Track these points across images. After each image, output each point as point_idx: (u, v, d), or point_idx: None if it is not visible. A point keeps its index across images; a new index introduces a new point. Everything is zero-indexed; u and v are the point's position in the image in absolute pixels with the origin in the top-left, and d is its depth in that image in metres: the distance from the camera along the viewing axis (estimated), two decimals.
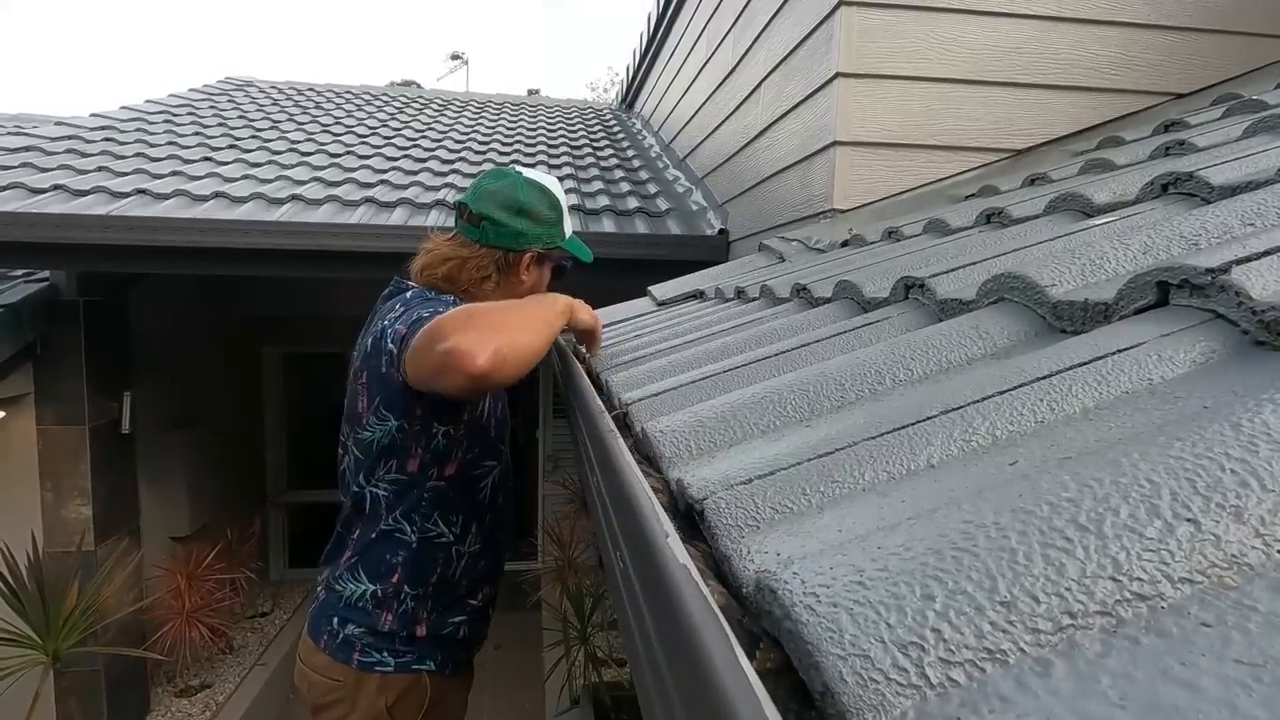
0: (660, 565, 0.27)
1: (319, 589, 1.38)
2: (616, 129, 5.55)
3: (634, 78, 5.56)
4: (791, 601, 0.25)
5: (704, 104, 3.38)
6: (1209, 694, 0.19)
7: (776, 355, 0.72)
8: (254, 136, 4.09)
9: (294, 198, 2.99)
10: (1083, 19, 2.02)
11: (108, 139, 3.62)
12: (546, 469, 5.63)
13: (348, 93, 6.10)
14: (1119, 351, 0.43)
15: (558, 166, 4.09)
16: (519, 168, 1.39)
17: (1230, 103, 1.45)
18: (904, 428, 0.42)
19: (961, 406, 0.42)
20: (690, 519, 0.43)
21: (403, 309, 1.23)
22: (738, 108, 2.80)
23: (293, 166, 3.51)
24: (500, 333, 0.99)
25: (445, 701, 1.34)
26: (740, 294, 1.43)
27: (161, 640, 3.61)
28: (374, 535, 1.29)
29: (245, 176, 3.25)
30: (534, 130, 5.27)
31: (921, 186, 2.00)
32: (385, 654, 1.27)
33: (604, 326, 1.70)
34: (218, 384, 4.65)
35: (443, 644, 1.34)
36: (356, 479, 1.30)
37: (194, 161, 3.43)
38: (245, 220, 2.66)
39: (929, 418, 0.42)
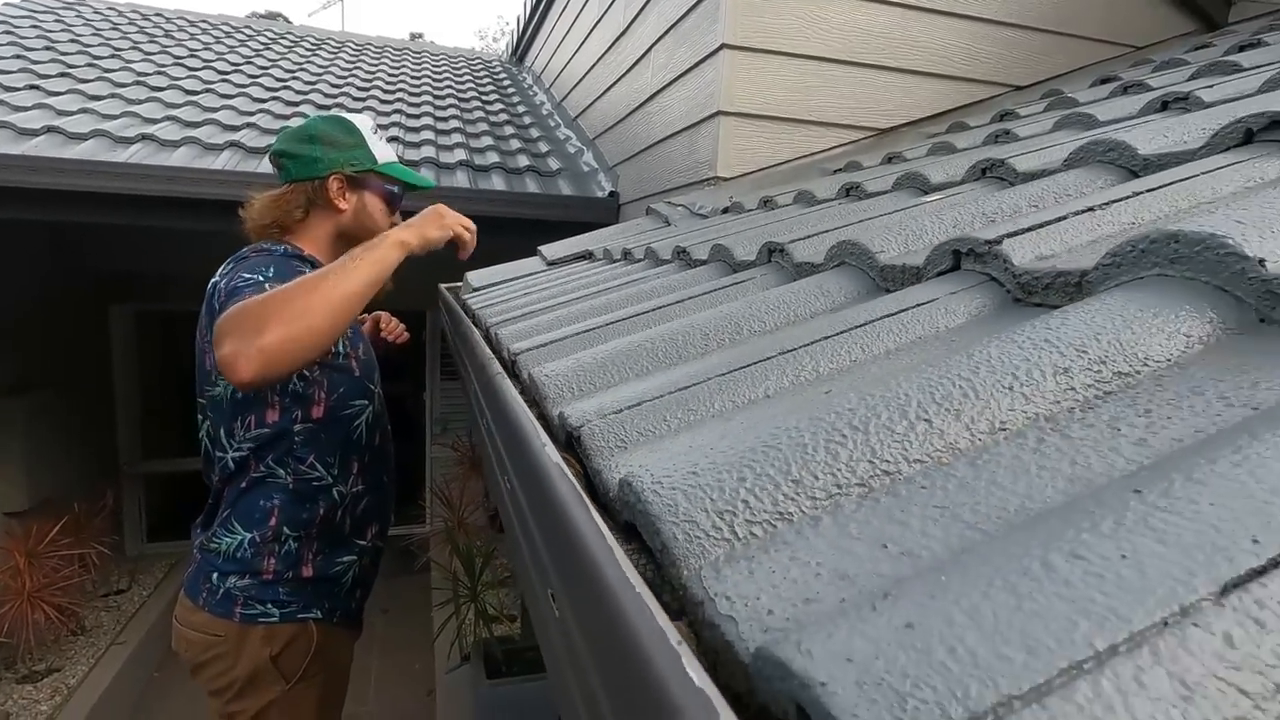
0: (537, 463, 0.33)
1: (194, 552, 1.34)
2: (507, 84, 5.39)
3: (525, 30, 5.40)
4: (642, 488, 0.32)
5: (596, 64, 3.37)
6: (913, 527, 0.27)
7: (653, 310, 0.79)
8: (91, 65, 3.64)
9: (144, 137, 2.71)
10: (938, 10, 2.21)
11: None
12: (435, 432, 5.53)
13: (204, 22, 5.51)
14: (917, 306, 0.53)
15: (444, 119, 3.95)
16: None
17: (1052, 98, 1.66)
18: (749, 365, 0.50)
19: (795, 349, 0.51)
20: (570, 445, 0.49)
21: (231, 266, 1.24)
22: (629, 70, 2.83)
23: (141, 102, 3.17)
24: (271, 330, 0.98)
25: (331, 649, 1.34)
26: (627, 255, 1.50)
27: None
28: (244, 484, 1.28)
29: (83, 110, 2.90)
30: (418, 79, 5.02)
31: (798, 159, 2.14)
32: (269, 605, 1.26)
33: (495, 285, 1.71)
34: (59, 345, 4.17)
35: (329, 590, 1.33)
36: (219, 444, 1.28)
37: (17, 90, 3.01)
38: (89, 161, 2.39)
39: (769, 358, 0.50)
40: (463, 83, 5.18)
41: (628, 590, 0.26)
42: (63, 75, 3.36)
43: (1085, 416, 0.32)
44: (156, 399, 5.26)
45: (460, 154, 3.29)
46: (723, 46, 2.01)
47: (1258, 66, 1.18)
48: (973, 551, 0.25)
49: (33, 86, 3.10)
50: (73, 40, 4.09)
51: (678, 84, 2.31)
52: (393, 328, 1.77)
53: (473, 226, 1.35)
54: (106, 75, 3.49)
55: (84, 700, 3.51)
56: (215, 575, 1.26)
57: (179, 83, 3.63)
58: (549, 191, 3.11)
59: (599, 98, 3.35)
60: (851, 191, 1.26)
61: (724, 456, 0.33)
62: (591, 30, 3.42)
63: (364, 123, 1.42)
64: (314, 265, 1.33)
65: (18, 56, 3.51)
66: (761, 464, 0.32)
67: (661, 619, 0.24)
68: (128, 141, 2.66)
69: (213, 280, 1.24)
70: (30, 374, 3.85)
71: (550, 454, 0.34)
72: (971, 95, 2.31)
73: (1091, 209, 0.56)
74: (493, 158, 3.35)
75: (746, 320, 0.65)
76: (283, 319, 0.99)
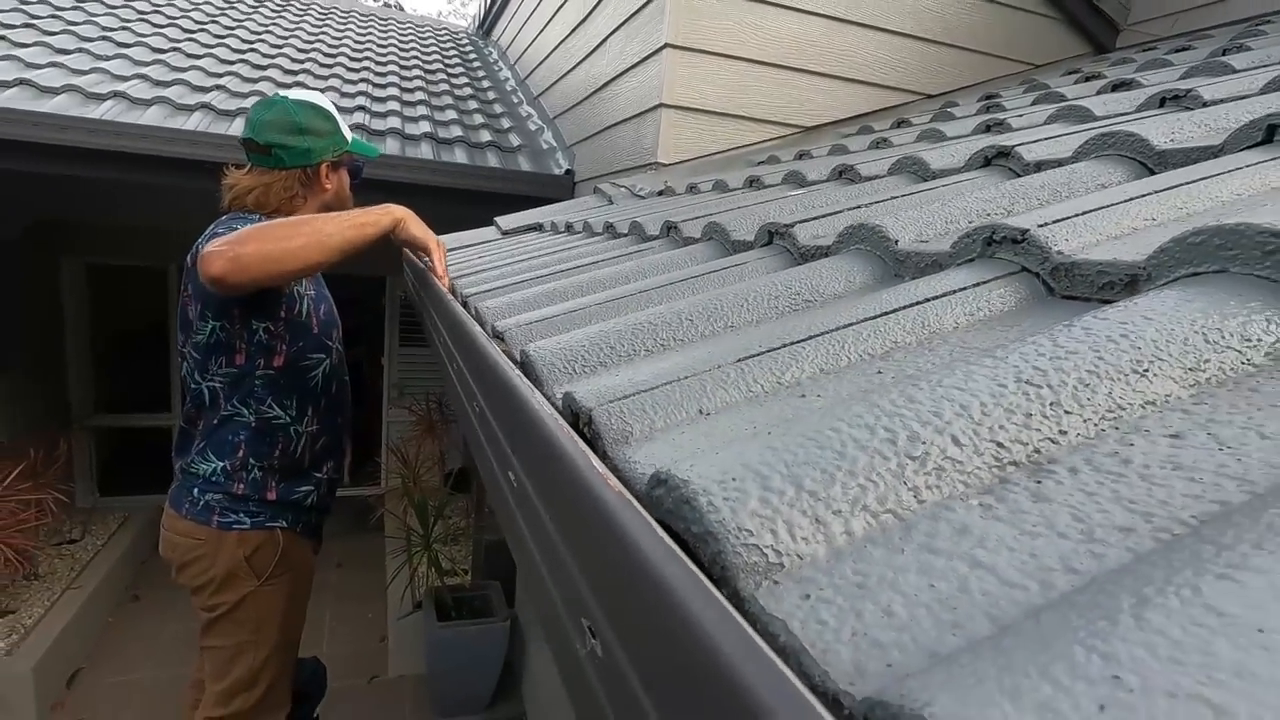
0: (477, 344, 0.58)
1: (176, 474, 1.56)
2: (473, 57, 5.50)
3: (493, 4, 5.51)
4: (530, 351, 0.57)
5: (558, 46, 3.55)
6: (665, 369, 0.54)
7: (573, 268, 1.05)
8: (55, 16, 3.66)
9: (116, 95, 2.82)
10: (862, 23, 2.48)
11: None
12: (392, 396, 5.68)
13: None
14: (735, 265, 0.80)
15: (410, 90, 4.08)
16: (282, 92, 1.58)
17: (938, 110, 1.95)
18: (617, 299, 0.76)
19: (649, 290, 0.77)
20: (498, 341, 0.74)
21: (214, 226, 1.47)
22: (587, 56, 3.03)
23: (110, 59, 3.24)
24: (250, 243, 1.18)
25: (295, 554, 1.58)
26: (569, 227, 1.74)
27: None
28: (216, 421, 1.50)
29: (53, 64, 2.97)
30: (385, 47, 5.10)
31: (730, 150, 2.40)
32: (242, 514, 1.49)
33: (456, 249, 1.93)
34: (8, 295, 4.20)
35: (292, 507, 1.57)
36: (194, 377, 1.50)
37: None
38: (64, 115, 2.50)
39: (630, 295, 0.76)
40: (429, 54, 5.27)
41: (525, 387, 0.51)
42: (27, 25, 3.39)
43: (774, 318, 0.59)
44: (109, 353, 5.29)
45: (425, 126, 3.45)
46: (666, 45, 2.24)
47: (1076, 97, 1.48)
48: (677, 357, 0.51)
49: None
50: None
51: (628, 75, 2.53)
52: None
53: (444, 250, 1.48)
54: (72, 28, 3.53)
55: (41, 639, 3.64)
56: (196, 490, 1.49)
57: (145, 39, 3.68)
58: (509, 166, 3.31)
59: (560, 79, 3.53)
60: (753, 184, 1.53)
61: (578, 339, 0.59)
62: (555, 13, 3.59)
63: (330, 106, 1.62)
64: None
65: None
66: (594, 340, 0.58)
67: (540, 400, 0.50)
68: (99, 98, 2.76)
69: (198, 241, 1.45)
70: None
71: (487, 340, 0.58)
72: (887, 101, 2.60)
73: (859, 206, 0.83)
74: (456, 131, 3.51)
75: (633, 274, 0.91)
76: (264, 239, 1.21)
